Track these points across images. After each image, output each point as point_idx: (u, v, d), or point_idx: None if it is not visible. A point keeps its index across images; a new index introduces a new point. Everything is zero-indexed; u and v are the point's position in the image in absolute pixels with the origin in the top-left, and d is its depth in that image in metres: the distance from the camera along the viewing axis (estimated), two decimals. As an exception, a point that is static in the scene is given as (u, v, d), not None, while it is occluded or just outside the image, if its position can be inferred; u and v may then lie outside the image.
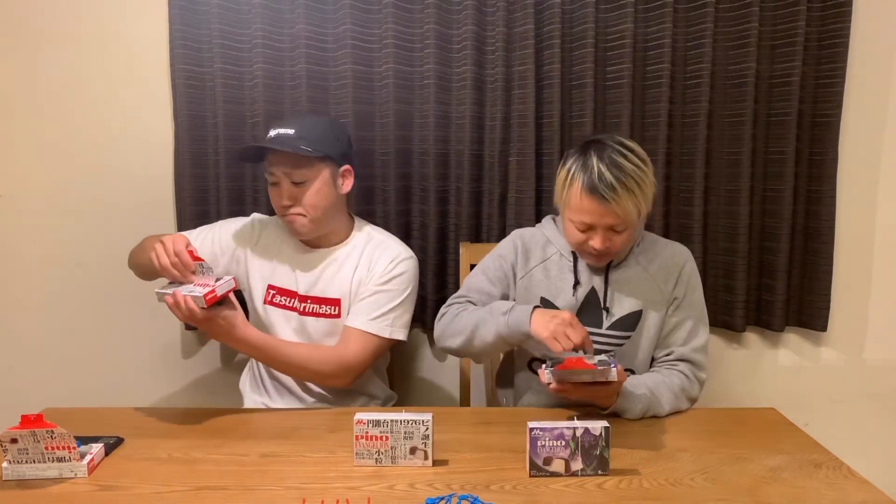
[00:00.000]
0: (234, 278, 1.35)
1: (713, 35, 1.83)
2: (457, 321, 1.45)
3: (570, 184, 1.37)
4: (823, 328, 1.96)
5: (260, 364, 1.63)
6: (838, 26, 1.83)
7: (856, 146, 1.93)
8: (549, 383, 1.23)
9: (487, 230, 1.94)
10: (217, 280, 1.32)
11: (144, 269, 1.51)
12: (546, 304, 1.49)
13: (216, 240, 1.60)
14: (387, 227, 1.74)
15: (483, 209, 1.94)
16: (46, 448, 1.10)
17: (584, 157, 1.37)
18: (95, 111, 1.89)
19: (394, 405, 1.74)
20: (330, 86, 1.86)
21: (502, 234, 1.92)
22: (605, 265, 1.48)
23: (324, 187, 1.50)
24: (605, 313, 1.47)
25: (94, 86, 1.89)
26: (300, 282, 1.57)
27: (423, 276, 1.93)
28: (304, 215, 1.49)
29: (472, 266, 1.86)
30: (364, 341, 1.51)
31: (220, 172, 1.86)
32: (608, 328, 1.48)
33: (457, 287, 1.90)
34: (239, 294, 1.73)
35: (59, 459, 1.11)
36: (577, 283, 1.47)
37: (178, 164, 1.87)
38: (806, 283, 1.96)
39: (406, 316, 1.57)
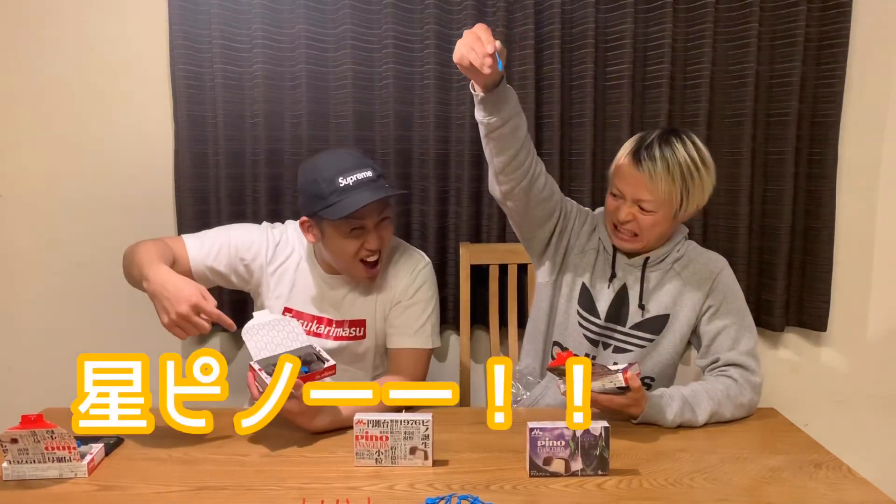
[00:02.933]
0: (334, 366, 1.26)
1: (713, 35, 1.83)
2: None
3: (622, 149, 1.42)
4: (823, 328, 1.96)
5: None
6: (838, 26, 1.83)
7: (856, 146, 1.93)
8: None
9: (487, 230, 1.94)
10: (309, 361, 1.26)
11: (135, 284, 1.41)
12: (585, 290, 1.50)
13: (231, 254, 1.51)
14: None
15: (483, 209, 1.94)
16: (46, 448, 1.10)
17: (649, 133, 1.40)
18: (95, 111, 1.89)
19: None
20: (330, 86, 1.86)
21: (502, 234, 1.92)
22: (643, 263, 1.46)
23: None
24: (641, 311, 1.46)
25: (94, 86, 1.88)
26: (323, 306, 1.52)
27: (423, 276, 1.93)
28: (380, 258, 1.45)
29: (472, 266, 1.87)
30: (417, 357, 1.50)
31: (220, 172, 1.86)
32: (631, 328, 1.47)
33: (457, 287, 1.90)
34: (243, 295, 1.70)
35: (59, 459, 1.11)
36: (613, 276, 1.47)
37: (178, 164, 1.87)
38: (806, 283, 1.96)
39: (438, 320, 1.57)
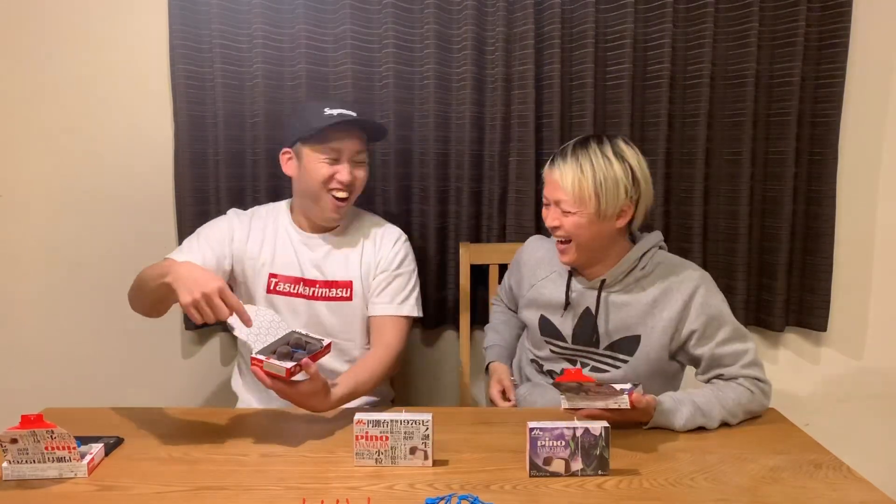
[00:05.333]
0: (329, 343, 1.31)
1: (713, 35, 1.82)
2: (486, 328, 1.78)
3: None
4: (823, 328, 1.96)
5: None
6: (838, 26, 1.83)
7: (856, 146, 1.93)
8: (568, 409, 1.21)
9: (487, 230, 1.94)
10: (304, 345, 1.29)
11: (152, 300, 1.37)
12: (544, 321, 1.51)
13: (212, 247, 1.54)
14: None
15: (483, 209, 1.94)
16: (46, 448, 1.10)
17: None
18: (96, 111, 1.89)
19: (392, 402, 1.74)
20: (330, 86, 1.86)
21: (502, 234, 1.93)
22: (599, 285, 1.43)
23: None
24: (607, 337, 1.44)
25: (94, 86, 1.89)
26: (305, 267, 1.57)
27: (423, 277, 1.93)
28: (349, 197, 1.54)
29: (472, 266, 1.88)
30: (399, 325, 1.57)
31: (220, 172, 1.86)
32: (605, 349, 1.45)
33: (457, 287, 1.91)
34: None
35: (59, 459, 1.11)
36: (567, 304, 1.47)
37: (178, 164, 1.87)
38: (806, 283, 1.96)
39: (419, 291, 1.64)
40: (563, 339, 1.49)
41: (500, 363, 1.65)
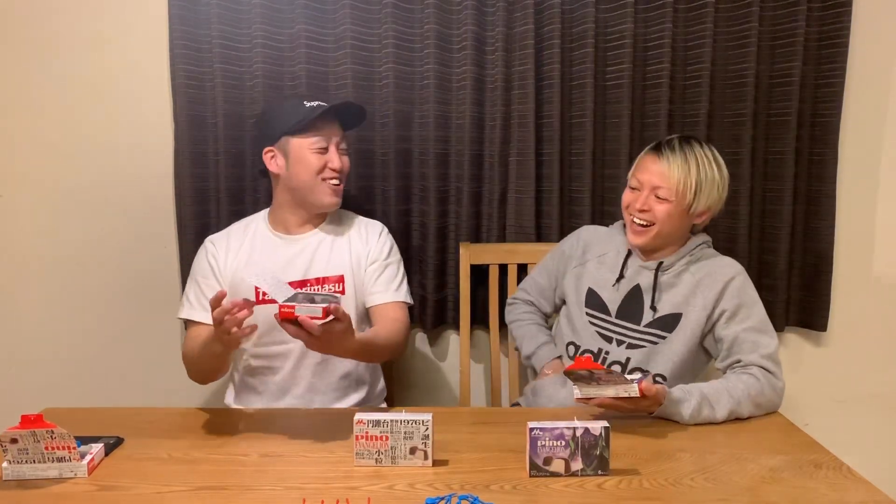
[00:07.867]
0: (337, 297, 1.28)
1: (713, 35, 1.83)
2: (512, 328, 1.77)
3: (644, 150, 1.54)
4: (823, 328, 1.96)
5: (242, 375, 1.62)
6: (838, 26, 1.83)
7: (856, 146, 1.93)
8: (581, 398, 1.26)
9: (487, 230, 1.94)
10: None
11: (216, 366, 1.42)
12: (591, 294, 1.57)
13: (210, 281, 1.56)
14: (387, 227, 1.73)
15: (483, 209, 1.94)
16: (46, 448, 1.10)
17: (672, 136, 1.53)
18: (95, 111, 1.89)
19: (385, 398, 1.74)
20: (330, 86, 1.86)
21: (502, 234, 1.93)
22: (656, 267, 1.51)
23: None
24: (652, 312, 1.50)
25: (94, 86, 1.88)
26: (292, 270, 1.56)
27: (424, 276, 1.93)
28: (341, 184, 1.58)
29: (472, 266, 1.88)
30: (401, 310, 1.59)
31: (220, 172, 1.86)
32: (646, 325, 1.50)
33: (457, 287, 1.90)
34: None
35: (59, 459, 1.11)
36: (620, 277, 1.54)
37: (178, 164, 1.87)
38: (806, 283, 1.96)
39: (406, 280, 1.67)
40: (607, 312, 1.54)
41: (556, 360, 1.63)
